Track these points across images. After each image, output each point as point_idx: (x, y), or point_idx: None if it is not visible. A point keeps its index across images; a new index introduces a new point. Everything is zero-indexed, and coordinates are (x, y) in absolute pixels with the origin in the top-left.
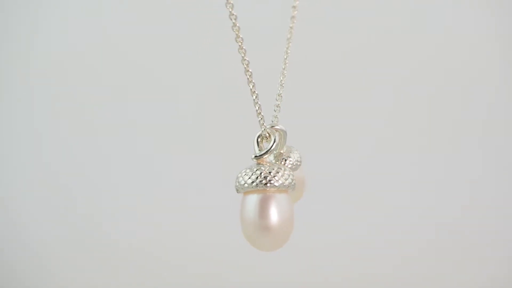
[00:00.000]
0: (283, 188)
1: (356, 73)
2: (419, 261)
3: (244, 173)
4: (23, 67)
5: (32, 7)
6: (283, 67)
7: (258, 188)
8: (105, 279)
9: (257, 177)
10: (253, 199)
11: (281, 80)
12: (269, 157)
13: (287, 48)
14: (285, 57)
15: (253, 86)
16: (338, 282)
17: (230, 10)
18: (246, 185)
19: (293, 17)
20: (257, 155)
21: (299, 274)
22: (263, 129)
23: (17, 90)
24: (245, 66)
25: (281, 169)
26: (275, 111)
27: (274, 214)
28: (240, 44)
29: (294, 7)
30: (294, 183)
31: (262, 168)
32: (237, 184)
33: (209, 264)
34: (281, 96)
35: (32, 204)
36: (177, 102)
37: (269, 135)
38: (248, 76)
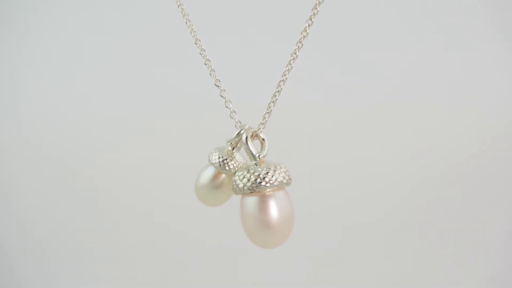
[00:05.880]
0: (280, 186)
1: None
2: (419, 259)
3: (242, 176)
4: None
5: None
6: (288, 68)
7: (257, 189)
8: (105, 280)
9: (256, 178)
10: (252, 199)
11: (282, 81)
12: (216, 155)
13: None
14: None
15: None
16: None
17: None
18: (245, 187)
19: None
20: (263, 156)
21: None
22: (260, 130)
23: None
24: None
25: (277, 167)
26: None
27: (274, 211)
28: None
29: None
30: (290, 179)
31: (258, 169)
32: (235, 187)
33: (208, 267)
34: (276, 97)
35: (32, 204)
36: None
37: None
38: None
